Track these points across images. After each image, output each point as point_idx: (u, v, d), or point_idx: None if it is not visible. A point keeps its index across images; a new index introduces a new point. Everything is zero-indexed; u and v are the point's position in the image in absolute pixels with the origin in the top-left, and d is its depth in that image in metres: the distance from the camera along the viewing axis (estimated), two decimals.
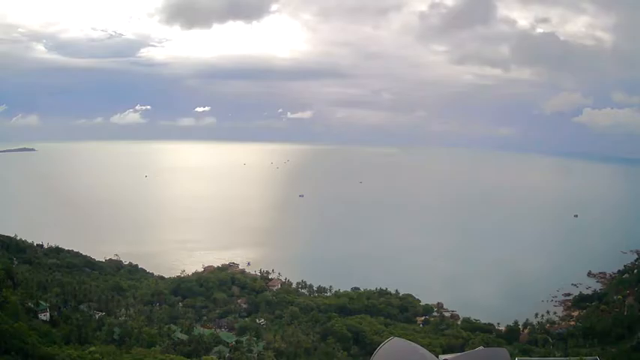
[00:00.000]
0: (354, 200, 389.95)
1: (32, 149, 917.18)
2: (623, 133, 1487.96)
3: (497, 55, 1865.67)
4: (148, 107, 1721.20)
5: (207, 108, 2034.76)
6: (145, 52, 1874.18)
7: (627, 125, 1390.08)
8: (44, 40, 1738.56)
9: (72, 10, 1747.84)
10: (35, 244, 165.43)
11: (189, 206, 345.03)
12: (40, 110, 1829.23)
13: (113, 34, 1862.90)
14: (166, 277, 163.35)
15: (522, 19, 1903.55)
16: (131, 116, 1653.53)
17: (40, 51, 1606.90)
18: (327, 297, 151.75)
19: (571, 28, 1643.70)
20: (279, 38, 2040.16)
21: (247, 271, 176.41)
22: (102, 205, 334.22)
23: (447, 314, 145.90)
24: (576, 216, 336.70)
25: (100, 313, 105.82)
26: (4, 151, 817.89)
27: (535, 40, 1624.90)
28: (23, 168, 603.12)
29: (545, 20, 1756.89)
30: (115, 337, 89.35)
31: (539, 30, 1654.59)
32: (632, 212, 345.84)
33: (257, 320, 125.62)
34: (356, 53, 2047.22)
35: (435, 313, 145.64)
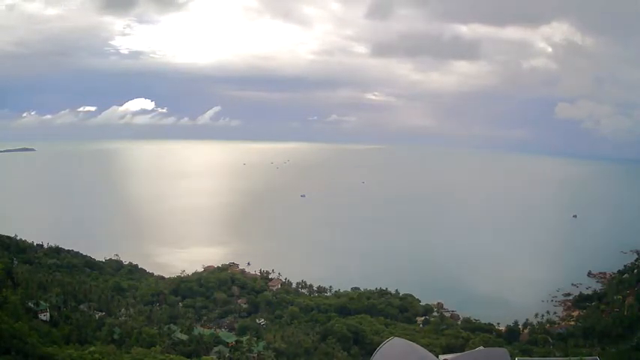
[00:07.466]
0: (356, 200, 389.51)
1: (32, 149, 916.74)
2: (625, 135, 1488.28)
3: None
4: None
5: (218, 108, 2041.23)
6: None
7: (629, 128, 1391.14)
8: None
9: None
10: (35, 244, 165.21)
11: (183, 206, 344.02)
12: None
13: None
14: (166, 277, 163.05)
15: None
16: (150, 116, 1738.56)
17: None
18: (327, 297, 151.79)
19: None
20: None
21: (247, 271, 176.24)
22: (104, 204, 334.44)
23: (447, 314, 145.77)
24: (575, 216, 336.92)
25: (100, 313, 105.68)
26: (3, 151, 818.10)
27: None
28: (24, 167, 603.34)
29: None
30: (115, 337, 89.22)
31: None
32: (631, 212, 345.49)
33: (257, 320, 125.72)
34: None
35: (435, 313, 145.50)
